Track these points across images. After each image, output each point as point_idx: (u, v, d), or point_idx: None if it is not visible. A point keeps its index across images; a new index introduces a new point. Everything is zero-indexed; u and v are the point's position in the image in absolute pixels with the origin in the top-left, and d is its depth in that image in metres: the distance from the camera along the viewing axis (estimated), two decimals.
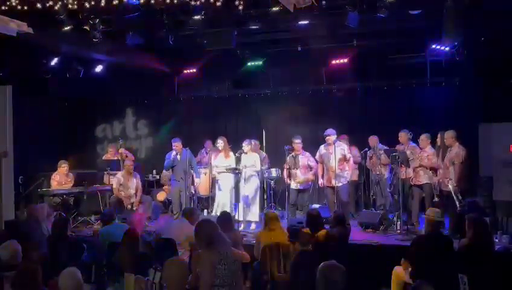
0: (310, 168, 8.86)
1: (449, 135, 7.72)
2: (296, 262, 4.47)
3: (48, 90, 11.01)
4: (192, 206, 8.91)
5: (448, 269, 4.89)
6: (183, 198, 9.18)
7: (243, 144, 8.86)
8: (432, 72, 10.11)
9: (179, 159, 9.24)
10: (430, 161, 8.08)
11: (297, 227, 6.91)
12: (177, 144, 9.31)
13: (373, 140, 9.22)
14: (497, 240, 6.63)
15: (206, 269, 4.09)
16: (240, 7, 7.61)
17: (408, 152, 8.22)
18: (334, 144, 8.46)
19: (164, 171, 10.56)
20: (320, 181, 8.78)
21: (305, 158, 8.84)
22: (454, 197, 7.32)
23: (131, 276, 4.69)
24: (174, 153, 9.27)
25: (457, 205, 7.22)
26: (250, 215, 8.78)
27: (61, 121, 11.67)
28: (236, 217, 8.33)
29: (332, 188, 8.48)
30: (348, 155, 8.61)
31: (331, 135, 8.53)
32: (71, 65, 10.54)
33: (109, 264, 5.54)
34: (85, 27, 8.18)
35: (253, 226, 8.61)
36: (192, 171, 9.37)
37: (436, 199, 7.84)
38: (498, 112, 8.63)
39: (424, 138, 8.26)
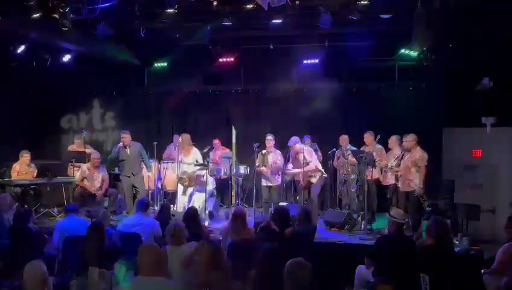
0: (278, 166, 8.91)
1: (410, 138, 7.81)
2: (262, 259, 4.50)
3: (13, 79, 10.68)
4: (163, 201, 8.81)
5: (409, 269, 5.00)
6: (144, 194, 8.93)
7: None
8: (401, 76, 10.31)
9: (128, 153, 8.81)
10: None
11: (264, 224, 6.97)
12: (125, 136, 8.73)
13: (344, 139, 9.24)
14: (457, 242, 6.81)
15: None
16: (214, 3, 7.59)
17: (374, 154, 8.35)
18: (302, 148, 8.50)
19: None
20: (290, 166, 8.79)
21: (275, 156, 8.88)
22: (421, 199, 7.49)
23: (96, 270, 4.63)
24: (120, 144, 8.75)
25: (425, 207, 7.40)
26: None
27: (25, 111, 11.35)
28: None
29: (305, 186, 8.56)
30: (309, 159, 8.53)
31: (294, 144, 8.55)
32: (38, 53, 10.26)
33: (72, 258, 5.45)
34: (54, 15, 7.98)
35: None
36: (142, 164, 9.01)
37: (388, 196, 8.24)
38: (461, 116, 8.88)
39: (393, 140, 8.44)
